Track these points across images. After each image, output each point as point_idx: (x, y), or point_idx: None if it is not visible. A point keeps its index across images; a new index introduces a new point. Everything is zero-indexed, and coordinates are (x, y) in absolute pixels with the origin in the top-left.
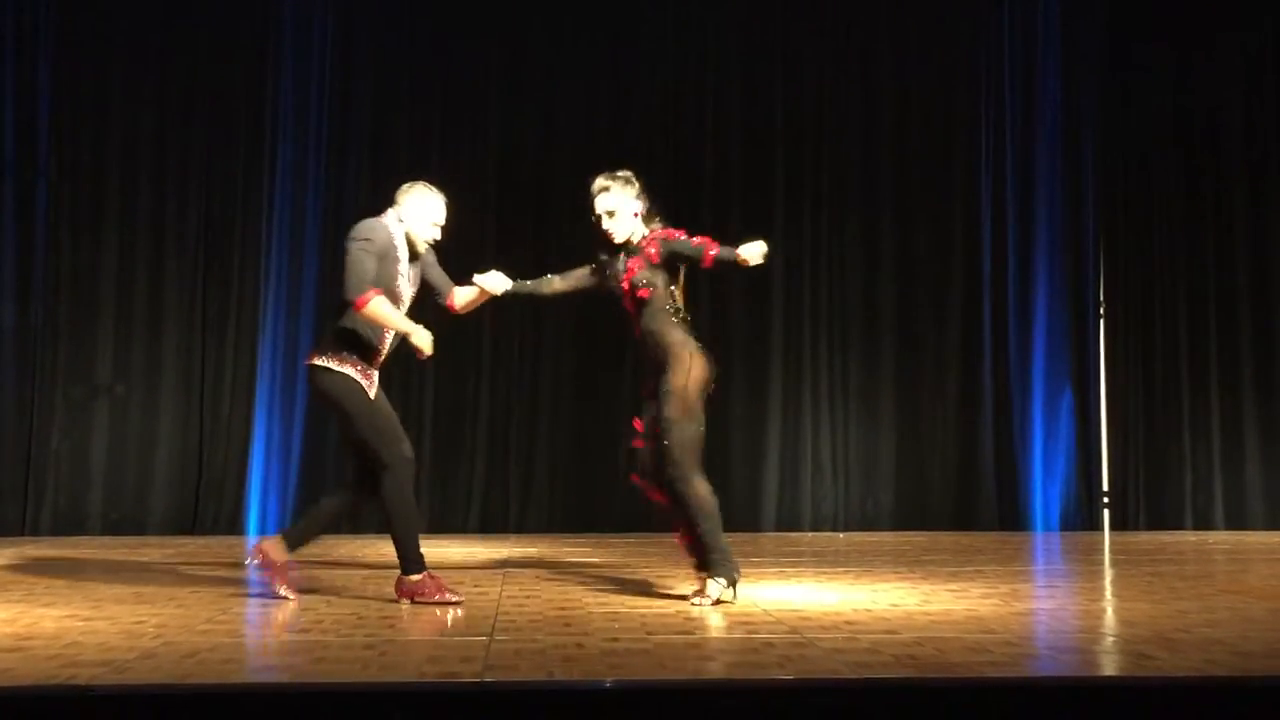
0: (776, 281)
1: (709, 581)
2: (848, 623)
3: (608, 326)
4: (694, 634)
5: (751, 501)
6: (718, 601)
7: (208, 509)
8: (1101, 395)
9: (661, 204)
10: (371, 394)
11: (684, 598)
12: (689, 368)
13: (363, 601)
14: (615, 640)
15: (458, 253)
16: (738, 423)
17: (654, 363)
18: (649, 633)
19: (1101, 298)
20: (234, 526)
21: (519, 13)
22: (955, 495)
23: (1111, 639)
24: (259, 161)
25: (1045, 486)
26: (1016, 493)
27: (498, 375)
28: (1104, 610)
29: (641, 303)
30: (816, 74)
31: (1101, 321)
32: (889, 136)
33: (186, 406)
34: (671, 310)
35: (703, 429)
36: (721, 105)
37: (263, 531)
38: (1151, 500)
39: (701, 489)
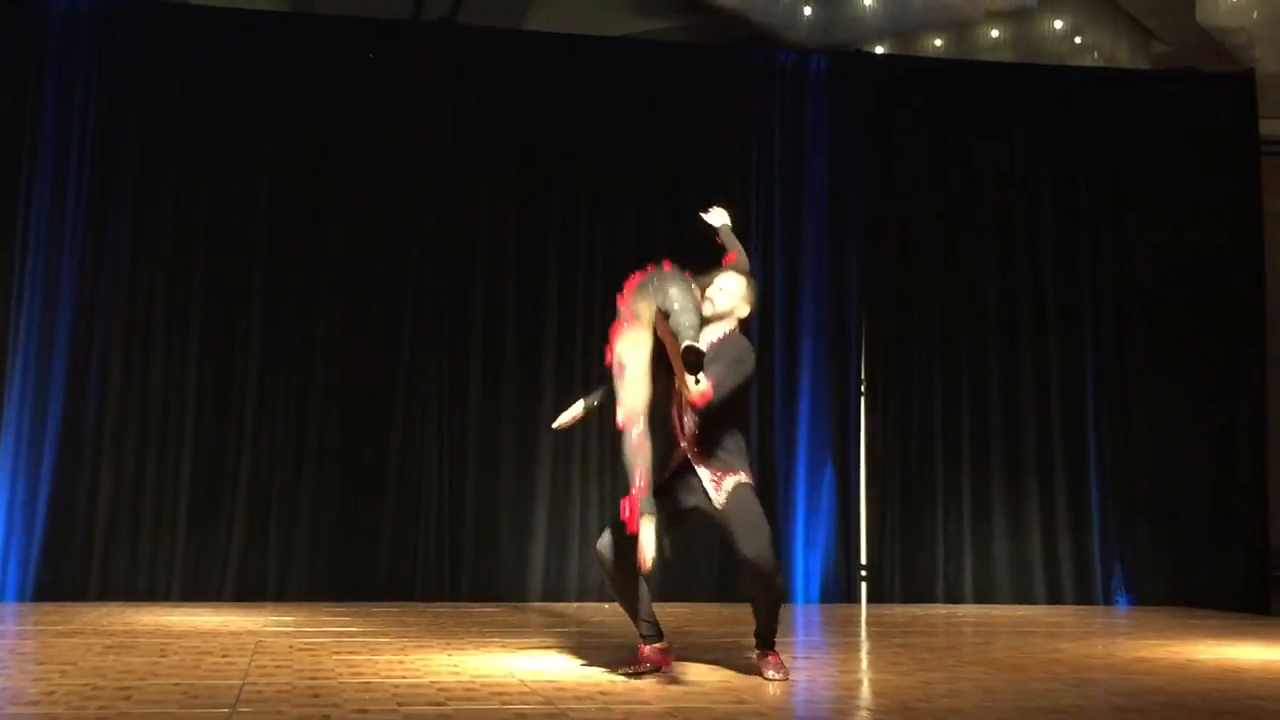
0: (548, 372)
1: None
2: (602, 693)
3: (377, 386)
4: (445, 705)
5: (519, 571)
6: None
7: None
8: (861, 470)
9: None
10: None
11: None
12: None
13: (99, 672)
14: (364, 711)
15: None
16: (505, 496)
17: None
18: (400, 704)
19: (863, 376)
20: None
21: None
22: (720, 566)
23: (864, 710)
24: (12, 206)
25: (807, 558)
26: (779, 564)
27: (260, 438)
28: (858, 681)
29: None
30: (593, 145)
31: (863, 399)
32: (660, 214)
33: None
34: None
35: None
36: (500, 182)
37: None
38: (906, 573)
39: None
